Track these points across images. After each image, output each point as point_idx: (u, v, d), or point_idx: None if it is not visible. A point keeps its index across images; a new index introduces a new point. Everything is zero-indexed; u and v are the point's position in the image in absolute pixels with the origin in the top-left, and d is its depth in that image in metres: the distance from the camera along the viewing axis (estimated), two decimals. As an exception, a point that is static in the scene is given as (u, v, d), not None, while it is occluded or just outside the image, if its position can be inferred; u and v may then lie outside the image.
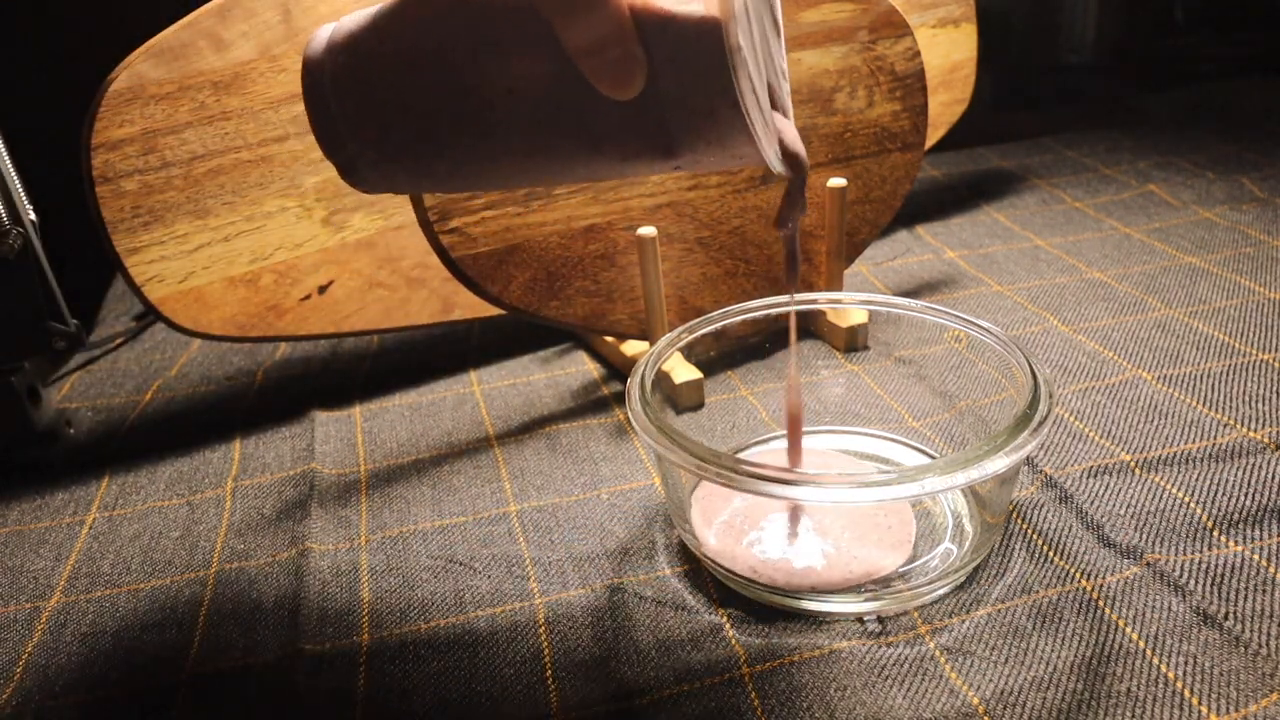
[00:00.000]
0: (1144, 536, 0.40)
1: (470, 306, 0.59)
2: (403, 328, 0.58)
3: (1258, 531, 0.40)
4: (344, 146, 0.32)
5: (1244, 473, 0.43)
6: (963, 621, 0.37)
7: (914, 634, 0.36)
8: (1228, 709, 0.32)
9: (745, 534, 0.40)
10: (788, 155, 0.32)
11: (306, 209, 0.53)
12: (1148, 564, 0.38)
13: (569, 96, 0.28)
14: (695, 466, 0.35)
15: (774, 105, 0.32)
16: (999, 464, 0.34)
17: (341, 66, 0.31)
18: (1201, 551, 0.39)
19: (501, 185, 0.33)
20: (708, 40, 0.26)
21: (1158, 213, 0.75)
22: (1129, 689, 0.33)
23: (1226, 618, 0.36)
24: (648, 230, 0.49)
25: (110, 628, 0.40)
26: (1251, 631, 0.35)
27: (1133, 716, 0.32)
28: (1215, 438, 0.46)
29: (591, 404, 0.55)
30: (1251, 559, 0.38)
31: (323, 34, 0.32)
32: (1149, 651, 0.35)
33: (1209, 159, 0.86)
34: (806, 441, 0.46)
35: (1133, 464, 0.45)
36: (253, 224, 0.52)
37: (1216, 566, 0.38)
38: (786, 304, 0.47)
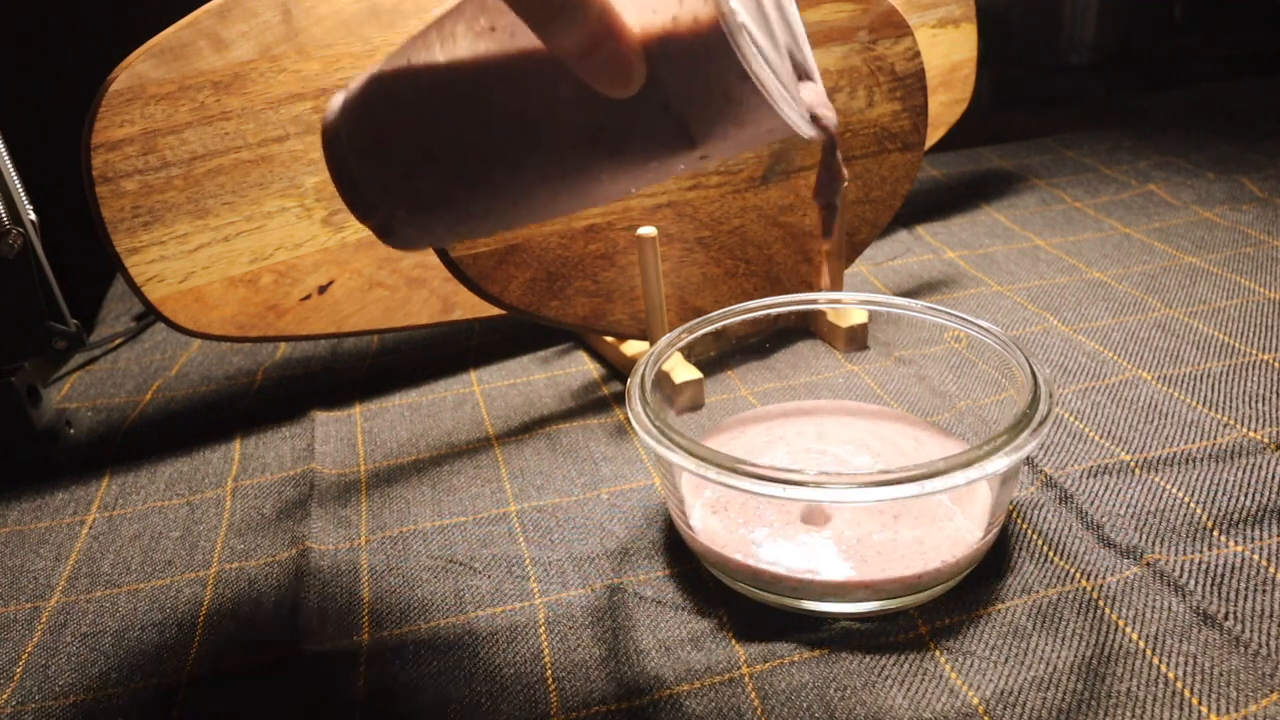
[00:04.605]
0: (1144, 536, 0.40)
1: (470, 306, 0.59)
2: (403, 328, 0.58)
3: (1258, 531, 0.40)
4: (375, 208, 0.32)
5: (1244, 473, 0.43)
6: (963, 621, 0.37)
7: (914, 634, 0.36)
8: (1228, 709, 0.32)
9: (747, 530, 0.40)
10: (814, 120, 0.31)
11: (306, 209, 0.53)
12: (1148, 564, 0.38)
13: (584, 110, 0.28)
14: (695, 466, 0.35)
15: (796, 71, 0.31)
16: (999, 464, 0.34)
17: (357, 125, 0.31)
18: (1201, 551, 0.39)
19: (539, 215, 0.33)
20: (708, 28, 0.26)
21: (1158, 213, 0.75)
22: (1129, 689, 0.33)
23: (1226, 618, 0.36)
24: (648, 230, 0.49)
25: (110, 628, 0.40)
26: (1251, 631, 0.35)
27: (1133, 716, 0.32)
28: (1215, 438, 0.46)
29: (591, 404, 0.55)
30: (1251, 559, 0.38)
31: (336, 100, 0.32)
32: (1149, 651, 0.35)
33: (1209, 159, 0.86)
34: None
35: (1133, 464, 0.45)
36: (253, 224, 0.52)
37: (1216, 566, 0.38)
38: (788, 303, 0.47)
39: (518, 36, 0.27)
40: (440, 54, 0.29)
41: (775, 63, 0.28)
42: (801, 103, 0.30)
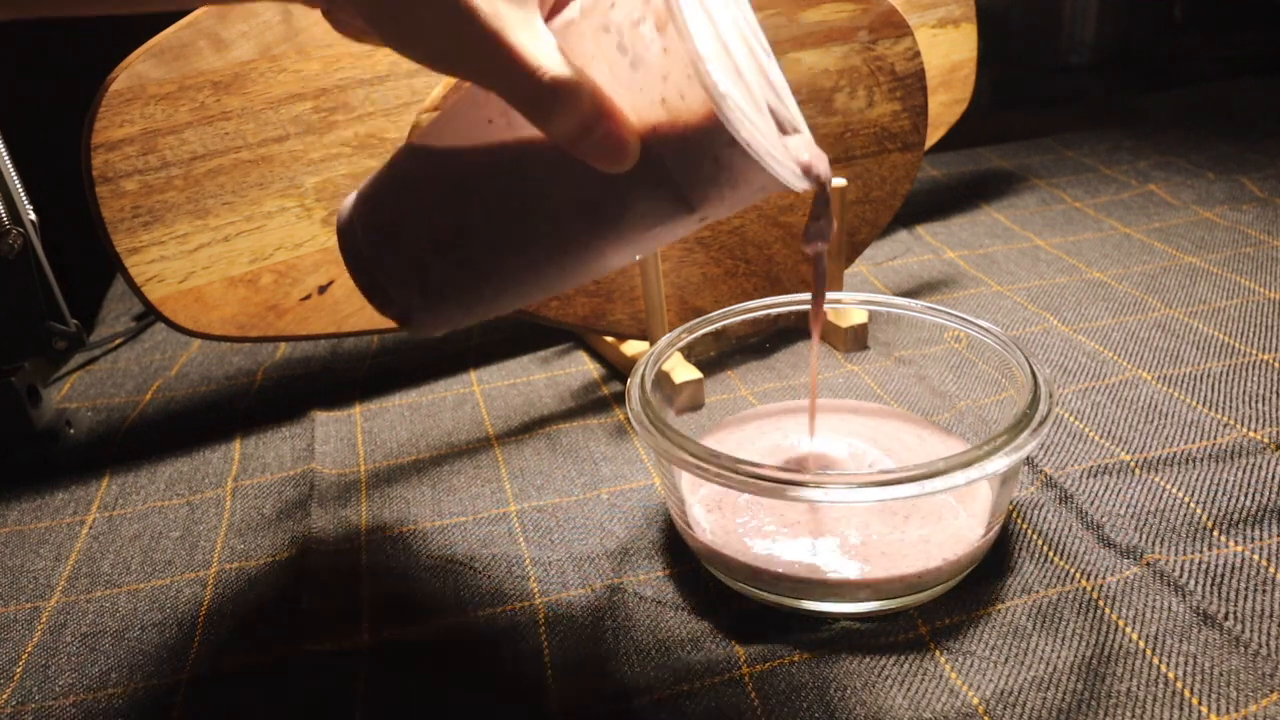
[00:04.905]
0: (1144, 536, 0.40)
1: (470, 306, 0.59)
2: (403, 328, 0.58)
3: (1258, 531, 0.40)
4: (391, 298, 0.33)
5: (1244, 473, 0.44)
6: (963, 621, 0.37)
7: (914, 634, 0.36)
8: (1228, 709, 0.32)
9: (747, 530, 0.40)
10: (805, 172, 0.31)
11: (306, 209, 0.53)
12: (1148, 564, 0.38)
13: (583, 189, 0.29)
14: (695, 466, 0.35)
15: (780, 126, 0.32)
16: (999, 464, 0.34)
17: (369, 218, 0.32)
18: (1201, 551, 0.39)
19: (548, 291, 0.34)
20: (694, 101, 0.26)
21: (1158, 213, 0.75)
22: (1129, 689, 0.33)
23: (1226, 618, 0.36)
24: (648, 230, 0.49)
25: (110, 628, 0.40)
26: (1251, 631, 0.35)
27: (1133, 716, 0.32)
28: (1215, 438, 0.46)
29: (591, 404, 0.55)
30: (1251, 559, 0.38)
31: (350, 197, 0.33)
32: (1149, 651, 0.35)
33: (1209, 159, 0.86)
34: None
35: (1133, 464, 0.45)
36: (253, 224, 0.52)
37: (1216, 566, 0.38)
38: (788, 303, 0.47)
39: (515, 127, 0.29)
40: (444, 149, 0.31)
41: (759, 123, 0.28)
42: (790, 159, 0.30)
